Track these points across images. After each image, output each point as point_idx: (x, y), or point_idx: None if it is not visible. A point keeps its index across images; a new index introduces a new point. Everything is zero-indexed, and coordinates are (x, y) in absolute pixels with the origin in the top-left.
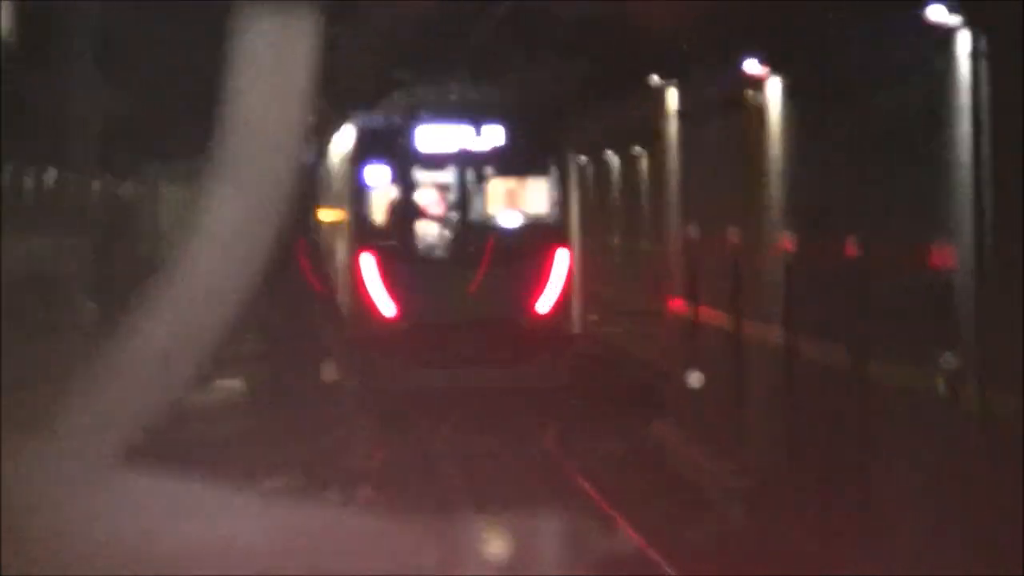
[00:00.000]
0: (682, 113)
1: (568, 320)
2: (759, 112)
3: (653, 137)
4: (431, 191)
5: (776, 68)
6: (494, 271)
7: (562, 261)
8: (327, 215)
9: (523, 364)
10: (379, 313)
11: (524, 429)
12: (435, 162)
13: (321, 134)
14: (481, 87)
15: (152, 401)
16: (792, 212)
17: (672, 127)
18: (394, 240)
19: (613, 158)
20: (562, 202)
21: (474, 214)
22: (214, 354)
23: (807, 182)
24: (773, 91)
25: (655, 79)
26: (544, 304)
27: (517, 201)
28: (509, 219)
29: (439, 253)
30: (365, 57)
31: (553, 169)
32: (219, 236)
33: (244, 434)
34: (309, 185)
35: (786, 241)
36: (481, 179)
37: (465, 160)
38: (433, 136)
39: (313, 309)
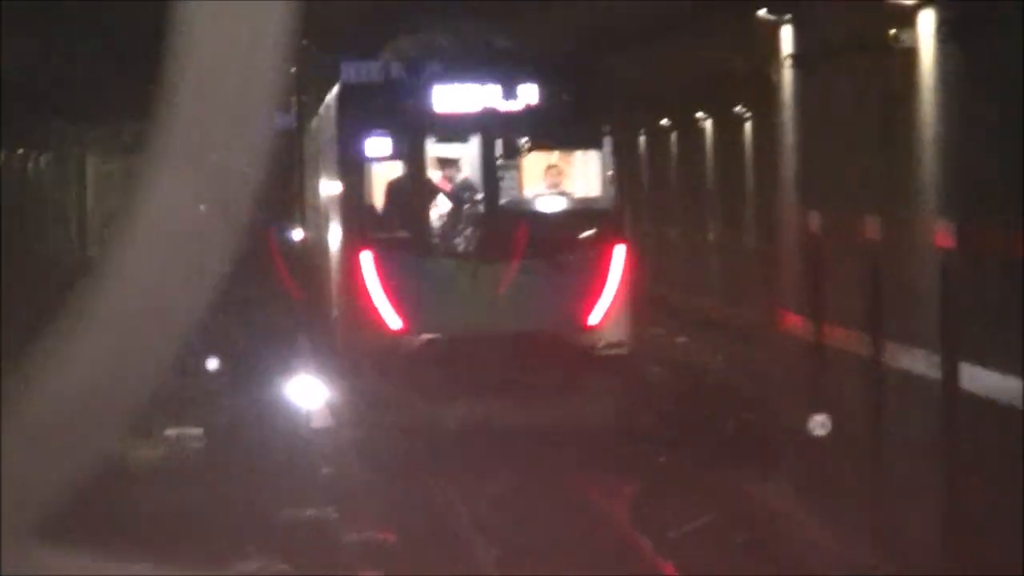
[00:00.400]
0: (800, 59)
1: (628, 335)
2: (907, 58)
3: (762, 92)
4: (449, 167)
5: None
6: (531, 271)
7: (619, 258)
8: (315, 198)
9: (572, 394)
10: (383, 325)
11: (581, 488)
12: (453, 129)
13: (305, 91)
14: (513, 32)
15: (77, 459)
16: (953, 195)
17: (787, 79)
18: (401, 232)
19: (704, 122)
20: (619, 182)
21: (505, 197)
22: (162, 393)
23: (974, 154)
24: (926, 29)
25: (763, 13)
26: (597, 314)
27: (561, 181)
28: (550, 204)
29: (459, 248)
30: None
31: (607, 139)
32: (167, 228)
33: (204, 502)
34: (289, 159)
35: (943, 234)
36: (514, 152)
37: (492, 127)
38: (451, 95)
39: (292, 325)
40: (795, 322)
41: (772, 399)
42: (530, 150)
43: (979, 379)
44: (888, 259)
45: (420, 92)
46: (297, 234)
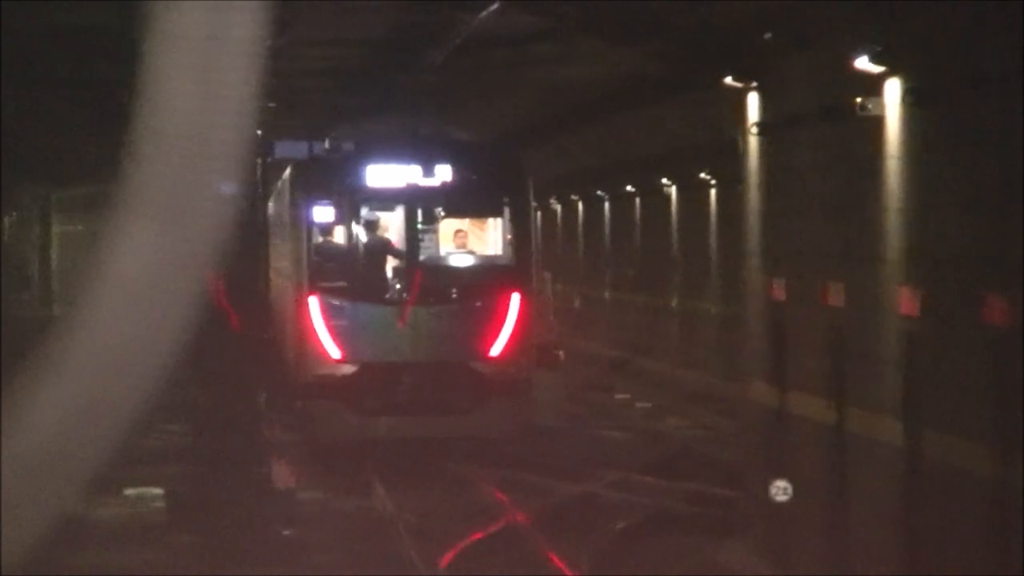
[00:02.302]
0: (765, 127)
1: (523, 365)
2: (872, 125)
3: (727, 159)
4: (379, 230)
5: (896, 65)
6: (444, 313)
7: (516, 305)
8: (274, 256)
9: (477, 410)
10: (325, 355)
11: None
12: (383, 200)
13: (260, 166)
14: (434, 120)
15: (33, 520)
16: (919, 262)
17: (752, 146)
18: (340, 281)
19: (668, 188)
20: (518, 243)
21: (424, 254)
22: (121, 450)
23: (940, 220)
24: (892, 97)
25: (729, 80)
26: (497, 347)
27: (467, 242)
28: (460, 260)
29: (387, 294)
30: (309, 82)
31: (508, 209)
32: (129, 285)
33: (165, 566)
34: (253, 223)
35: (908, 301)
36: (432, 218)
37: (415, 198)
38: (381, 173)
39: (251, 377)
40: (761, 388)
41: (736, 463)
42: (444, 217)
43: (943, 445)
44: (852, 325)
45: (357, 170)
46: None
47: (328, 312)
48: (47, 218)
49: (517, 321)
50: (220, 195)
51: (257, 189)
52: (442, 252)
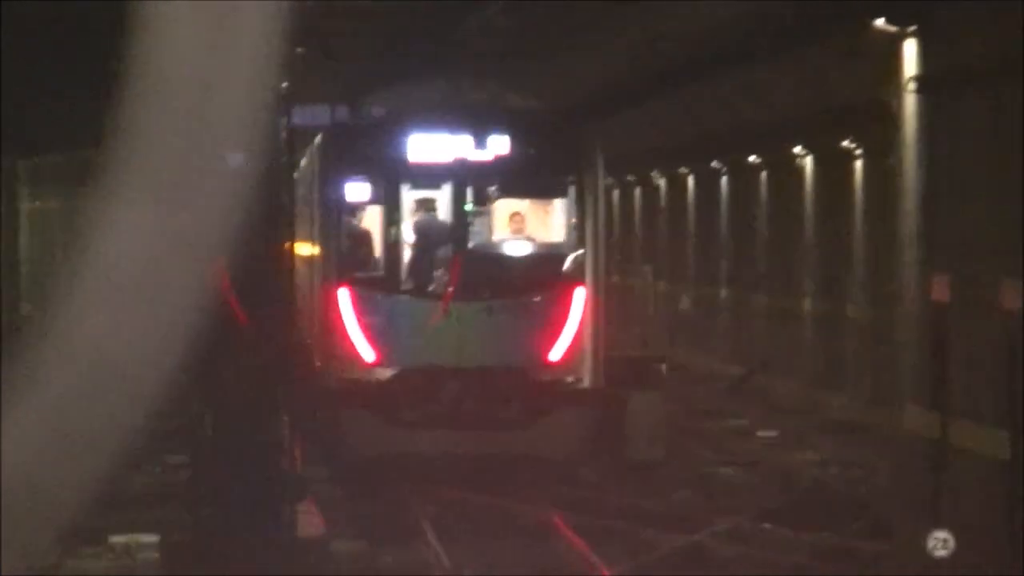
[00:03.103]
0: (926, 82)
1: (589, 372)
2: None
3: (878, 122)
4: (422, 212)
5: None
6: (496, 310)
7: (580, 301)
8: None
9: (535, 425)
10: (358, 359)
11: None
12: (427, 178)
13: (285, 135)
14: (488, 84)
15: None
16: None
17: (910, 105)
18: (376, 271)
19: (802, 158)
20: (584, 229)
21: (474, 242)
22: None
23: None
24: None
25: (881, 24)
26: (558, 351)
27: (524, 227)
28: (516, 248)
29: (430, 287)
30: (346, 48)
31: (573, 189)
32: (118, 280)
33: None
34: (267, 200)
35: None
36: (484, 199)
37: (464, 176)
38: (425, 145)
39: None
40: (914, 414)
41: (881, 510)
42: (498, 197)
43: None
44: None
45: (398, 142)
46: (287, 296)
47: (361, 307)
48: (12, 193)
49: (582, 320)
50: (232, 166)
51: (280, 160)
52: (495, 238)
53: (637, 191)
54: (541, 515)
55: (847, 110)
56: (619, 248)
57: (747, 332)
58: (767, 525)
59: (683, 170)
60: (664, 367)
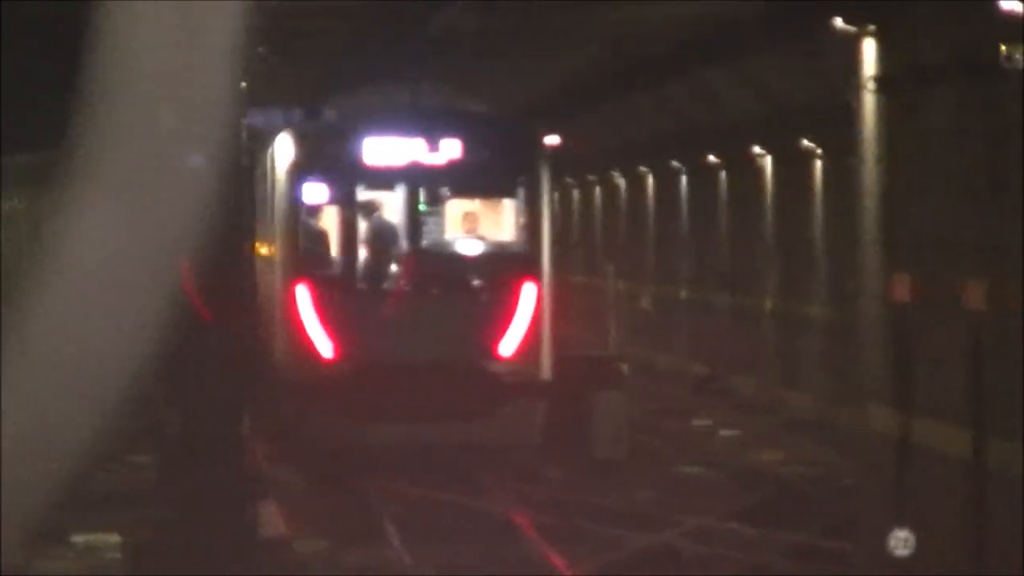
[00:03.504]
0: (885, 82)
1: (540, 364)
2: (1021, 82)
3: (837, 122)
4: (377, 212)
5: None
6: (450, 306)
7: (529, 296)
8: (255, 239)
9: (487, 416)
10: (316, 354)
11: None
12: (382, 179)
13: (245, 136)
14: (442, 89)
15: None
16: None
17: (869, 105)
18: (333, 269)
19: (762, 159)
20: (533, 227)
21: (428, 240)
22: (71, 487)
23: None
24: None
25: (840, 23)
26: (510, 345)
27: (476, 226)
28: (467, 246)
29: (385, 284)
30: (305, 50)
31: (522, 189)
32: (85, 280)
33: None
34: (228, 199)
35: None
36: (437, 200)
37: (417, 177)
38: (380, 148)
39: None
40: (876, 413)
41: (844, 509)
42: (451, 197)
43: None
44: (998, 335)
45: (353, 144)
46: (249, 293)
47: (319, 303)
48: None
49: (533, 315)
50: (192, 166)
51: (240, 160)
52: (448, 237)
53: (598, 190)
54: (504, 514)
55: (806, 110)
56: (582, 247)
57: (709, 331)
58: (732, 524)
59: (643, 169)
60: (626, 366)
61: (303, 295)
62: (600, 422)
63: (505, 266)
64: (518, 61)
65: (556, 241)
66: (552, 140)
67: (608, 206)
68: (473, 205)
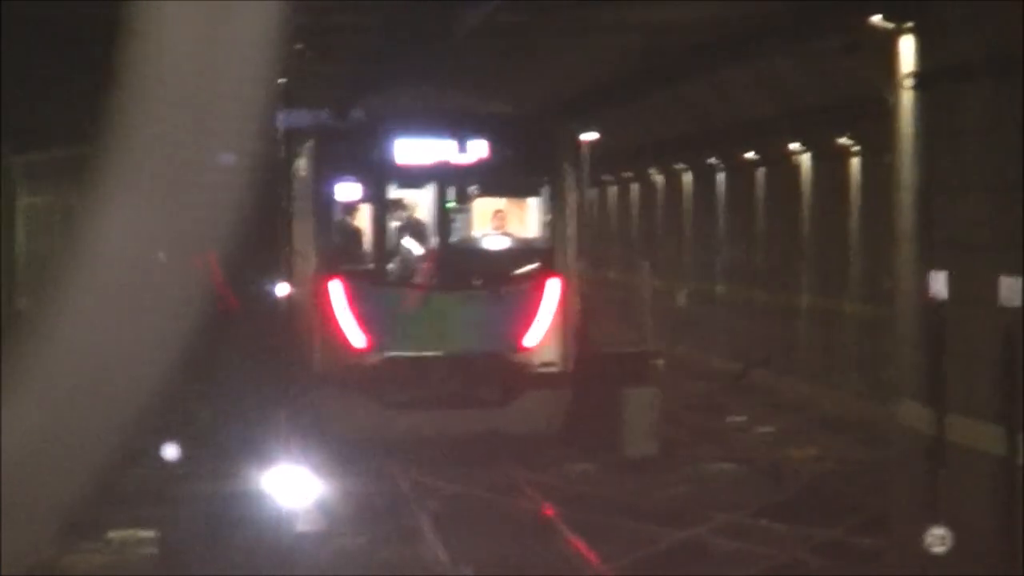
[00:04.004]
0: (923, 79)
1: (562, 357)
2: None
3: (875, 118)
4: (408, 210)
5: None
6: (477, 300)
7: (553, 291)
8: (291, 236)
9: (511, 405)
10: (349, 346)
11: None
12: (412, 178)
13: (283, 134)
14: (469, 91)
15: None
16: None
17: (907, 102)
18: (366, 265)
19: (799, 156)
20: (558, 224)
21: (456, 237)
22: (106, 484)
23: None
24: None
25: (878, 20)
26: (533, 337)
27: (505, 224)
28: (494, 243)
29: (415, 279)
30: (342, 47)
31: (547, 187)
32: (114, 275)
33: None
34: (264, 197)
35: None
36: (465, 198)
37: (446, 176)
38: (410, 148)
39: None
40: (911, 410)
41: (878, 506)
42: (478, 196)
43: None
44: None
45: (385, 145)
46: (281, 288)
47: (352, 298)
48: (10, 187)
49: (556, 310)
50: (224, 164)
51: (274, 159)
52: (475, 234)
53: (635, 187)
54: (538, 509)
55: (845, 106)
56: (619, 244)
57: (745, 328)
58: (765, 521)
59: (680, 166)
60: (660, 363)
61: (336, 289)
62: (633, 418)
63: (530, 262)
64: (553, 57)
65: (591, 237)
66: (589, 137)
67: (645, 203)
68: (501, 203)
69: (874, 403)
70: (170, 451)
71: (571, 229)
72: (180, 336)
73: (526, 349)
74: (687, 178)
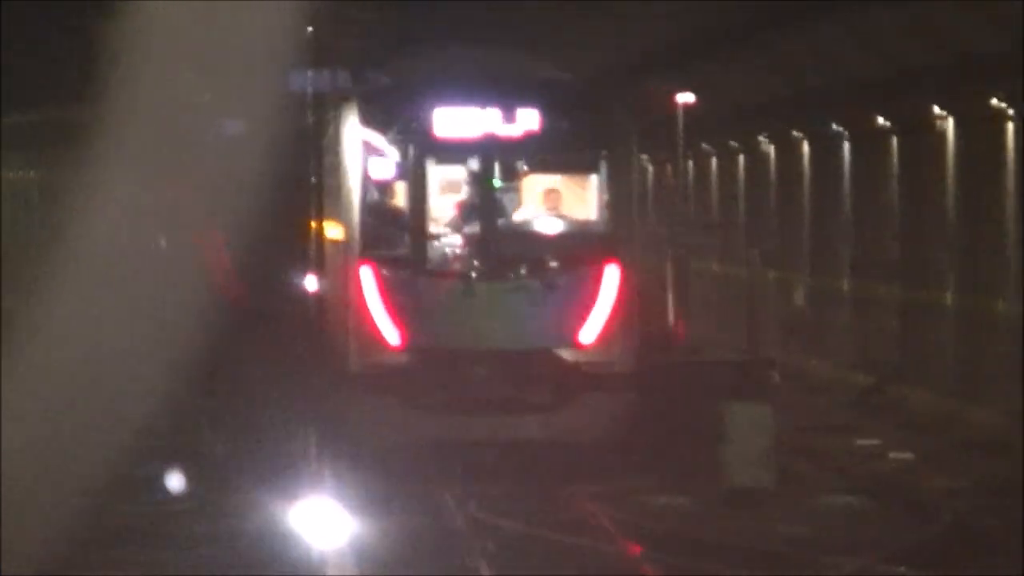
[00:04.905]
0: None
1: (622, 354)
2: None
3: None
4: (450, 188)
5: None
6: (526, 290)
7: (612, 279)
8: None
9: (566, 409)
10: (383, 341)
11: None
12: (456, 152)
13: (311, 99)
14: (517, 54)
15: None
16: None
17: None
18: (401, 250)
19: (942, 122)
20: (616, 206)
21: (503, 219)
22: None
23: None
24: None
25: None
26: (589, 333)
27: (559, 204)
28: (546, 226)
29: (457, 266)
30: (367, 15)
31: (605, 164)
32: (112, 267)
33: None
34: (286, 172)
35: None
36: (514, 175)
37: (493, 151)
38: (454, 119)
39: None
40: None
41: None
42: (528, 173)
43: None
44: None
45: (425, 114)
46: (310, 282)
47: (386, 287)
48: None
49: (615, 300)
50: (229, 134)
51: (304, 123)
52: (526, 216)
53: (741, 159)
54: (619, 554)
55: (994, 61)
56: (720, 229)
57: (876, 332)
58: (903, 568)
59: (796, 135)
60: (775, 373)
61: (368, 277)
62: (740, 442)
63: (586, 248)
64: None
65: (684, 221)
66: (685, 98)
67: (753, 178)
68: (553, 181)
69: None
70: (174, 481)
71: (632, 211)
72: (187, 341)
73: (582, 346)
74: (805, 148)
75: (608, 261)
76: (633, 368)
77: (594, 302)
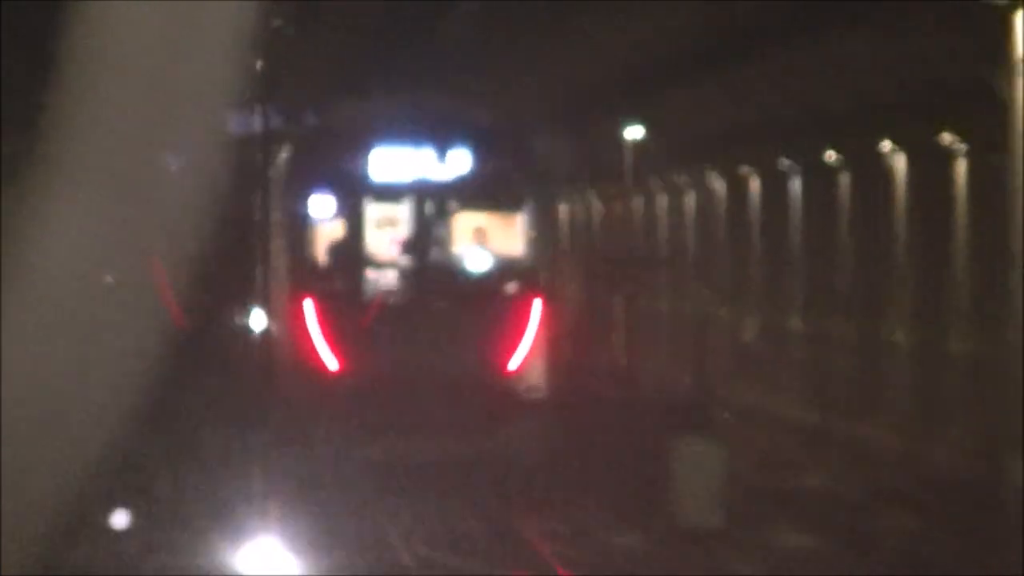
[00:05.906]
0: None
1: (545, 381)
2: None
3: (990, 110)
4: (385, 225)
5: None
6: (456, 321)
7: (537, 311)
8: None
9: (492, 432)
10: (323, 368)
11: None
12: (389, 192)
13: (262, 140)
14: (449, 98)
15: None
16: None
17: (1021, 90)
18: (339, 283)
19: (893, 157)
20: (540, 242)
21: (435, 254)
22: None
23: None
24: None
25: None
26: (516, 361)
27: (486, 240)
28: (475, 260)
29: (395, 299)
30: (309, 56)
31: (530, 203)
32: (55, 299)
33: None
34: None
35: None
36: (444, 212)
37: (425, 190)
38: (388, 160)
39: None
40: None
41: None
42: (458, 210)
43: None
44: None
45: (362, 156)
46: (257, 319)
47: (326, 318)
48: None
49: (539, 330)
50: (173, 168)
51: (252, 160)
52: (456, 250)
53: (691, 195)
54: None
55: (944, 96)
56: (668, 265)
57: (825, 369)
58: None
59: (745, 169)
60: (726, 413)
61: (310, 309)
62: (688, 482)
63: (512, 281)
64: (585, 32)
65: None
66: (634, 133)
67: (702, 214)
68: (481, 219)
69: (984, 460)
70: (119, 519)
71: (555, 246)
72: (134, 376)
73: (509, 372)
74: (754, 184)
75: (533, 294)
76: (557, 395)
77: (520, 332)
